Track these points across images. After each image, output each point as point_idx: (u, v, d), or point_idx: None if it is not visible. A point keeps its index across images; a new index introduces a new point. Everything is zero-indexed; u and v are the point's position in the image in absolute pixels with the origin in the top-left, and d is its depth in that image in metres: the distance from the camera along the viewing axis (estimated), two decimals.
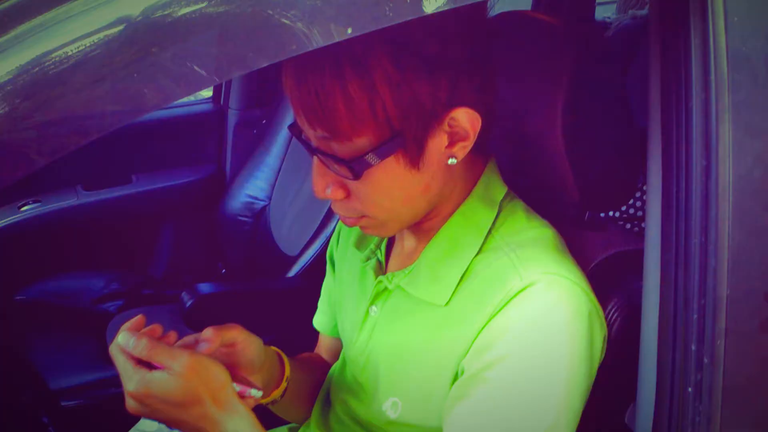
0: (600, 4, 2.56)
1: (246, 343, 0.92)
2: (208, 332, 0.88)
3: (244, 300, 1.67)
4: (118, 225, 2.11)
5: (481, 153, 0.91)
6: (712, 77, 0.68)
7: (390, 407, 0.93)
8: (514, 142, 1.03)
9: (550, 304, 0.81)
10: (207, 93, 2.34)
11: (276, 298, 1.69)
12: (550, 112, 0.93)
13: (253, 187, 2.05)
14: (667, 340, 0.76)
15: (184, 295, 1.58)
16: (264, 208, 2.03)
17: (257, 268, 1.99)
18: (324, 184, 0.84)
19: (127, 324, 0.83)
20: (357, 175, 0.79)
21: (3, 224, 1.93)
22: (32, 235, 1.96)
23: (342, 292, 1.08)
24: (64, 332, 1.77)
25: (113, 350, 0.81)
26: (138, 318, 0.84)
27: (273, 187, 2.03)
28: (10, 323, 1.80)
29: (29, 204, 1.98)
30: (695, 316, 0.71)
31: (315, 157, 0.84)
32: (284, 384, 1.01)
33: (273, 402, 1.03)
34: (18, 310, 1.87)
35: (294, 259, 1.73)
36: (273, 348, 1.02)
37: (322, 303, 1.18)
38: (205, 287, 1.61)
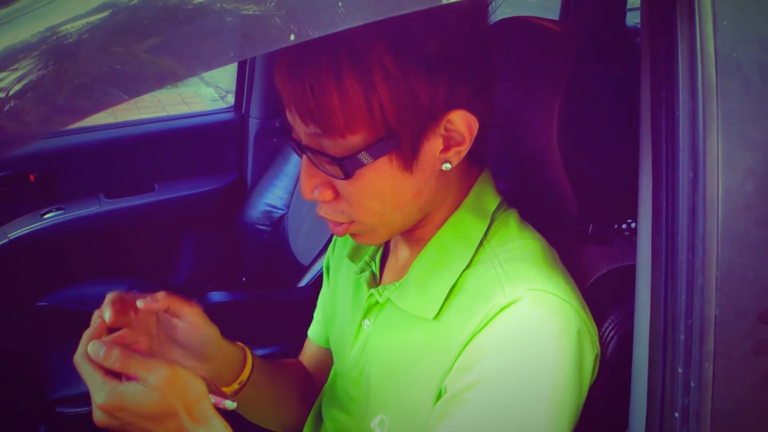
0: (631, 9, 2.51)
1: (195, 325, 0.90)
2: (162, 294, 0.86)
3: (253, 309, 1.66)
4: (140, 233, 2.12)
5: (476, 162, 0.89)
6: (699, 85, 0.65)
7: (378, 425, 0.91)
8: (515, 152, 1.00)
9: (535, 321, 0.78)
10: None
11: (286, 307, 1.68)
12: (547, 119, 0.90)
13: (272, 196, 2.04)
14: (657, 362, 0.72)
15: None
16: (282, 216, 2.02)
17: (274, 276, 1.98)
18: (312, 185, 0.82)
19: (89, 331, 0.80)
20: (348, 175, 0.77)
21: (26, 231, 1.96)
22: (55, 242, 1.99)
23: (336, 303, 1.06)
24: (80, 339, 1.77)
25: (78, 360, 0.77)
26: (99, 323, 0.81)
27: (292, 195, 2.02)
28: (30, 329, 1.82)
29: (52, 211, 2.01)
30: (682, 337, 0.67)
31: (304, 157, 0.81)
32: (235, 386, 0.97)
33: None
34: (38, 316, 1.89)
35: (307, 269, 1.72)
36: (240, 346, 0.98)
37: (317, 313, 1.16)
38: (215, 296, 1.60)
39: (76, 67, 0.49)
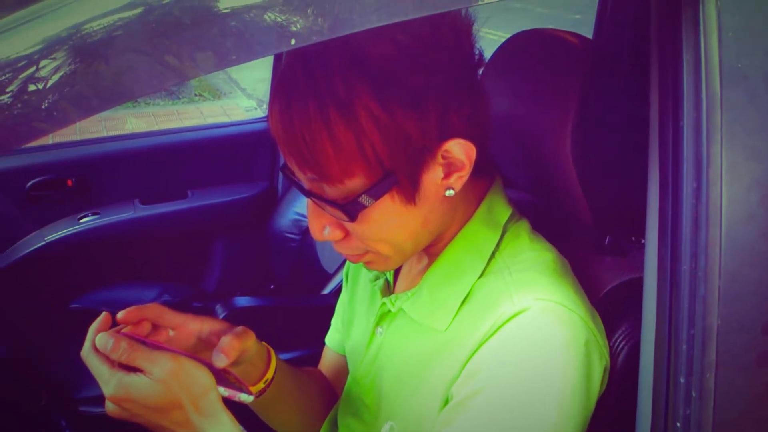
0: None
1: (251, 352, 0.92)
2: (226, 342, 0.86)
3: (277, 315, 1.68)
4: (173, 238, 2.16)
5: (484, 175, 0.89)
6: (703, 95, 0.65)
7: (387, 431, 0.92)
8: (529, 161, 1.01)
9: (541, 331, 0.78)
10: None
11: (309, 314, 1.70)
12: (561, 130, 0.90)
13: (301, 205, 2.07)
14: (661, 372, 0.72)
15: (219, 308, 1.61)
16: None
17: (302, 284, 2.00)
18: (320, 225, 0.82)
19: (95, 324, 0.81)
20: (352, 217, 0.77)
21: (63, 234, 2.01)
22: (90, 246, 2.04)
23: (353, 310, 1.08)
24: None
25: (85, 354, 0.79)
26: (104, 317, 0.82)
27: None
28: (63, 329, 1.87)
29: (88, 216, 2.06)
30: (684, 346, 0.67)
31: (308, 200, 0.82)
32: (261, 385, 0.98)
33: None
34: (71, 317, 1.94)
35: (331, 276, 1.74)
36: (264, 345, 0.99)
37: (336, 320, 1.17)
38: (239, 301, 1.63)
39: (92, 65, 0.52)
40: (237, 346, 0.87)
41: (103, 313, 0.82)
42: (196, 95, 6.58)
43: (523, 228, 0.89)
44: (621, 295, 0.92)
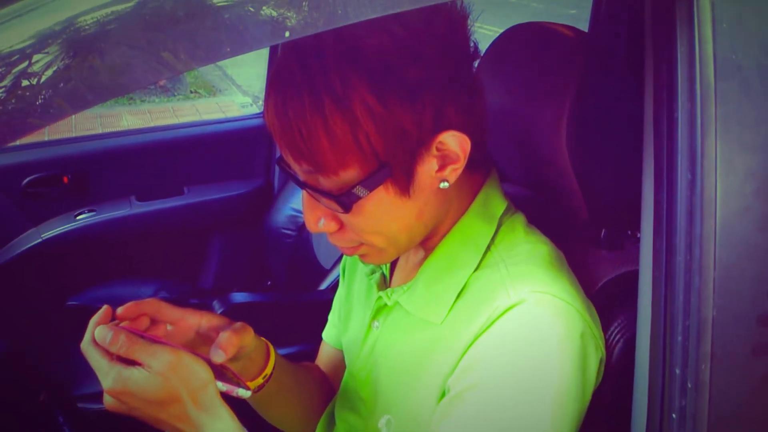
0: None
1: (249, 347, 0.92)
2: (224, 337, 0.87)
3: (274, 311, 1.68)
4: (169, 235, 2.16)
5: (479, 168, 0.89)
6: (698, 87, 0.65)
7: (384, 425, 0.92)
8: (525, 155, 1.01)
9: (537, 323, 0.78)
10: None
11: (306, 310, 1.70)
12: (557, 124, 0.90)
13: (297, 201, 2.07)
14: (657, 363, 0.72)
15: (216, 304, 1.61)
16: None
17: (298, 280, 2.01)
18: (315, 217, 0.83)
19: (95, 317, 0.81)
20: (347, 209, 0.78)
21: (59, 232, 2.01)
22: (87, 243, 2.03)
23: (350, 305, 1.08)
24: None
25: (85, 347, 0.78)
26: (105, 311, 0.82)
27: None
28: (60, 327, 1.87)
29: (85, 213, 2.05)
30: (680, 338, 0.67)
31: (303, 192, 0.83)
32: (259, 380, 0.98)
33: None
34: (69, 314, 1.93)
35: (328, 272, 1.74)
36: (263, 341, 0.99)
37: (332, 315, 1.17)
38: (236, 297, 1.63)
39: (87, 59, 0.52)
40: (235, 341, 0.87)
41: (104, 307, 0.82)
42: (191, 92, 6.58)
43: (518, 221, 0.89)
44: (617, 288, 0.93)
